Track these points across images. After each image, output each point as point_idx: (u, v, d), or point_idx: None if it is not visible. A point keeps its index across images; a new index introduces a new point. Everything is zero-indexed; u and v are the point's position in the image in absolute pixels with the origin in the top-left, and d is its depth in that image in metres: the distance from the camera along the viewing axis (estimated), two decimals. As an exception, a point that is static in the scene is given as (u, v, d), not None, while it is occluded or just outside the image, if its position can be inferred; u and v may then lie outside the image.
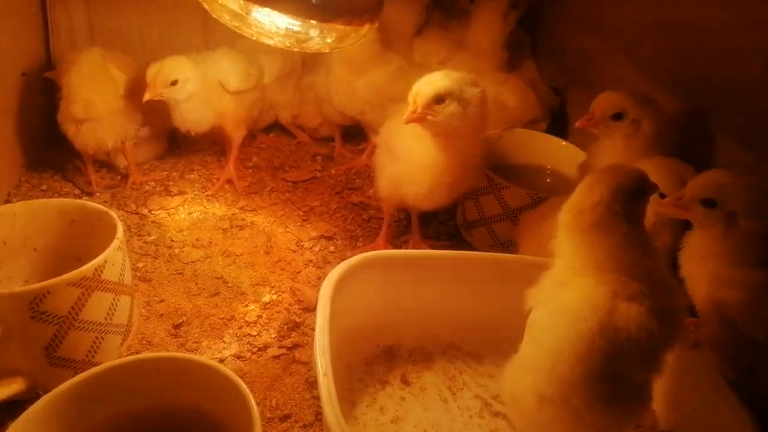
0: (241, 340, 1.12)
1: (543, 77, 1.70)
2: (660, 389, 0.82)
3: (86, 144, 1.45)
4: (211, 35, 1.68)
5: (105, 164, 1.57)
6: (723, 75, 1.15)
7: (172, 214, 1.45)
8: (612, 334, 0.72)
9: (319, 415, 0.99)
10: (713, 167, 0.97)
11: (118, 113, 1.45)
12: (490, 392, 1.04)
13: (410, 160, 1.23)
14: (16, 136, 1.47)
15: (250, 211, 1.49)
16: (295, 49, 1.13)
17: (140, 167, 1.58)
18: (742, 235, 0.88)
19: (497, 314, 1.00)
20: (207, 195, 1.52)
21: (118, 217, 1.06)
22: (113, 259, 0.98)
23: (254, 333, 1.14)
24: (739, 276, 0.88)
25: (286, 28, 1.07)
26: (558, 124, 1.64)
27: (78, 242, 1.10)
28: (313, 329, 0.93)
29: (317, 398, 1.00)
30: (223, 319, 1.16)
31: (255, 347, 1.11)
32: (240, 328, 1.15)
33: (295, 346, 1.12)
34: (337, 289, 0.95)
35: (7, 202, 1.39)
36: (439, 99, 1.10)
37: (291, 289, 1.25)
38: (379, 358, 1.09)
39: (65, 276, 0.91)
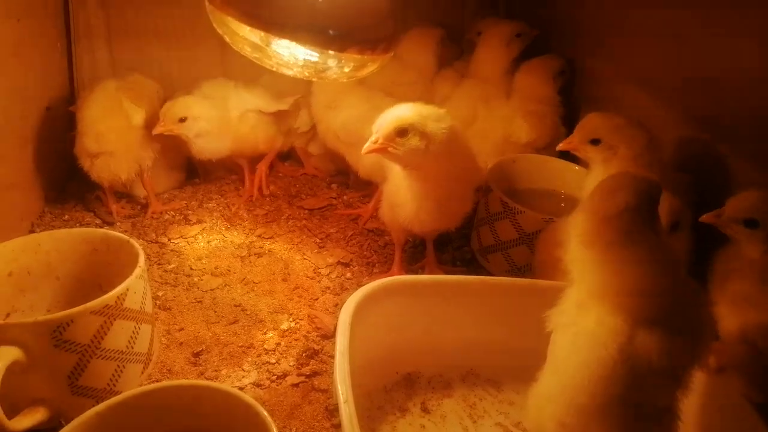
0: (260, 368, 1.12)
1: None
2: (684, 412, 0.81)
3: (101, 177, 1.49)
4: (229, 68, 1.72)
5: (125, 194, 1.60)
6: (736, 99, 1.15)
7: (191, 242, 1.47)
8: (633, 361, 0.71)
9: (338, 443, 0.98)
10: (734, 190, 0.96)
11: (131, 146, 1.48)
12: (512, 419, 1.03)
13: (397, 181, 1.25)
14: (40, 168, 1.51)
15: (268, 238, 1.50)
16: (313, 79, 1.16)
17: (159, 197, 1.60)
18: None
19: (516, 340, 0.99)
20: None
21: (139, 246, 1.07)
22: (135, 287, 0.99)
23: (273, 361, 1.14)
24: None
25: (304, 59, 1.09)
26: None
27: (100, 271, 1.12)
28: (332, 356, 0.93)
29: (337, 426, 1.00)
30: (242, 347, 1.17)
31: (274, 375, 1.11)
32: (259, 356, 1.15)
33: (314, 373, 1.12)
34: (355, 316, 0.95)
35: (31, 232, 1.42)
36: (401, 132, 1.09)
37: (309, 316, 1.25)
38: (398, 386, 1.08)
39: (88, 304, 0.92)
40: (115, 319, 0.95)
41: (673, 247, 0.79)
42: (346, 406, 0.81)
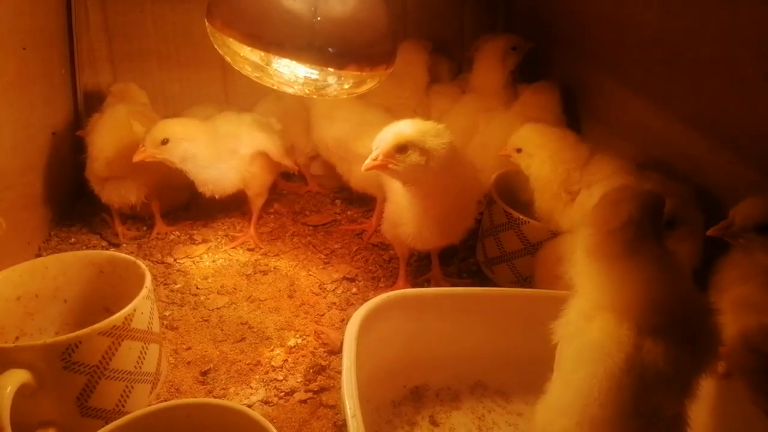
0: (268, 385, 1.12)
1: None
2: (694, 418, 0.80)
3: (111, 200, 1.51)
4: (231, 89, 1.74)
5: (130, 216, 1.61)
6: (736, 105, 1.16)
7: (197, 262, 1.48)
8: (640, 370, 0.71)
9: (348, 459, 0.98)
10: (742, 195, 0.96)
11: (140, 170, 1.48)
12: (521, 430, 1.02)
13: (398, 200, 1.25)
14: (47, 192, 1.53)
15: (273, 256, 1.51)
16: (314, 96, 1.17)
17: (164, 217, 1.61)
18: None
19: (523, 350, 0.99)
20: (228, 248, 1.53)
21: (145, 266, 1.08)
22: (142, 307, 1.00)
23: (280, 378, 1.14)
24: None
25: (305, 77, 1.11)
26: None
27: (107, 292, 1.12)
28: (339, 372, 0.93)
29: (346, 442, 0.99)
30: (249, 364, 1.17)
31: (282, 392, 1.11)
32: (266, 373, 1.15)
33: (322, 389, 1.11)
34: (362, 330, 0.95)
35: (38, 255, 1.43)
36: (401, 148, 1.09)
37: (315, 332, 1.25)
38: (406, 399, 1.08)
39: (96, 326, 0.92)
40: (123, 340, 0.96)
41: (678, 257, 0.79)
42: (354, 420, 0.81)
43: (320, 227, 1.63)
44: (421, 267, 1.47)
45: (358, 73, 1.10)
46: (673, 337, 0.71)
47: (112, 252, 1.19)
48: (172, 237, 1.57)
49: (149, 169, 1.50)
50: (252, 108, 1.69)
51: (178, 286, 1.39)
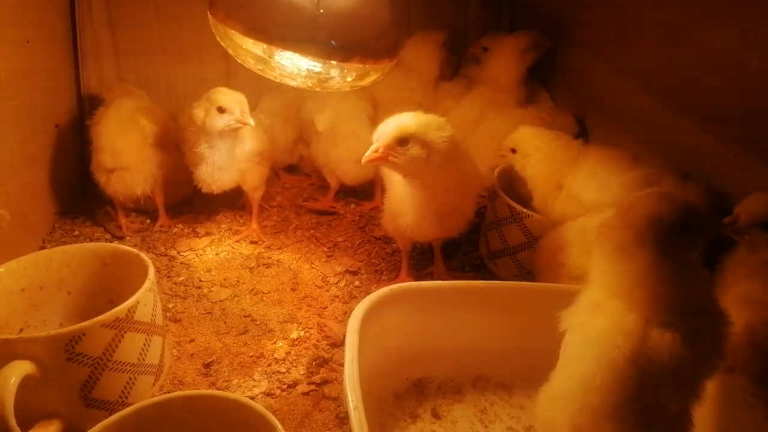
0: (271, 377, 1.13)
1: (562, 106, 1.73)
2: (697, 414, 0.80)
3: (116, 191, 1.50)
4: (234, 81, 1.73)
5: (134, 209, 1.62)
6: (741, 101, 1.15)
7: (200, 254, 1.48)
8: (644, 361, 0.71)
9: (350, 451, 0.98)
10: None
11: (146, 162, 1.50)
12: (523, 424, 1.02)
13: (397, 192, 1.25)
14: (50, 185, 1.53)
15: (276, 249, 1.51)
16: (317, 89, 1.17)
17: (168, 211, 1.61)
18: None
19: (526, 344, 0.99)
20: (232, 241, 1.54)
21: (148, 259, 1.08)
22: (145, 299, 1.00)
23: (283, 370, 1.14)
24: None
25: (307, 70, 1.10)
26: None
27: (110, 285, 1.13)
28: (342, 365, 0.93)
29: (348, 434, 1.00)
30: (252, 356, 1.17)
31: (284, 384, 1.11)
32: (269, 365, 1.15)
33: (324, 382, 1.12)
34: (364, 323, 0.95)
35: (42, 248, 1.43)
36: (402, 141, 1.09)
37: (318, 324, 1.26)
38: (408, 392, 1.08)
39: (99, 318, 0.93)
40: (126, 332, 0.96)
41: (704, 271, 0.78)
42: (356, 413, 0.81)
43: (323, 220, 1.63)
44: (423, 260, 1.47)
45: (362, 66, 1.10)
46: (681, 334, 0.71)
47: (115, 244, 1.19)
48: (175, 230, 1.57)
49: (155, 161, 1.50)
50: (256, 101, 1.69)
51: (181, 278, 1.39)
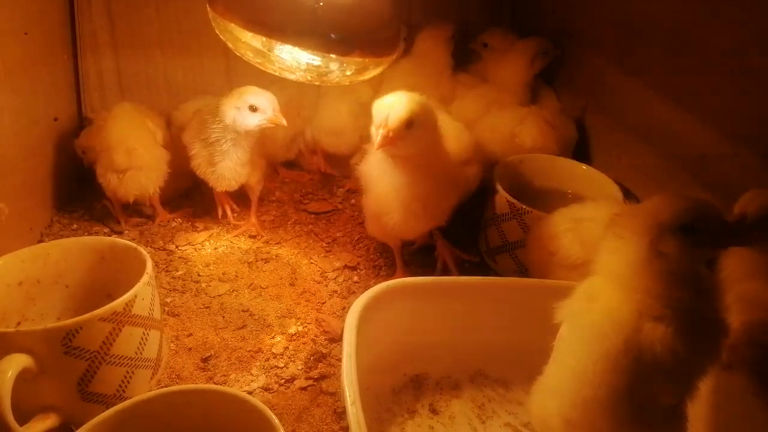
0: (269, 372, 1.13)
1: (563, 107, 1.72)
2: (694, 411, 0.80)
3: (129, 191, 1.48)
4: (234, 77, 1.73)
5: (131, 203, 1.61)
6: (743, 94, 1.15)
7: (199, 249, 1.48)
8: (637, 354, 0.70)
9: (348, 446, 0.98)
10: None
11: (159, 160, 1.50)
12: (521, 420, 1.02)
13: (378, 190, 1.24)
14: (48, 179, 1.53)
15: (275, 244, 1.51)
16: (316, 83, 1.16)
17: (167, 205, 1.61)
18: None
19: (524, 340, 0.99)
20: (231, 236, 1.54)
21: (146, 253, 1.08)
22: (143, 293, 1.00)
23: (281, 365, 1.14)
24: None
25: (307, 63, 1.10)
26: (577, 149, 1.64)
27: (108, 279, 1.12)
28: (340, 360, 0.93)
29: (345, 429, 1.00)
30: (250, 351, 1.17)
31: (282, 379, 1.11)
32: (267, 360, 1.15)
33: (322, 377, 1.12)
34: (362, 318, 0.95)
35: (40, 241, 1.43)
36: (409, 123, 1.09)
37: (316, 320, 1.25)
38: (406, 388, 1.08)
39: (97, 311, 0.93)
40: (123, 326, 0.96)
41: (705, 271, 0.77)
42: (353, 408, 0.81)
43: (322, 215, 1.63)
44: (423, 257, 1.47)
45: (361, 60, 1.10)
46: (674, 329, 0.71)
47: (113, 238, 1.19)
48: (173, 224, 1.56)
49: (166, 160, 1.51)
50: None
51: (179, 273, 1.39)
